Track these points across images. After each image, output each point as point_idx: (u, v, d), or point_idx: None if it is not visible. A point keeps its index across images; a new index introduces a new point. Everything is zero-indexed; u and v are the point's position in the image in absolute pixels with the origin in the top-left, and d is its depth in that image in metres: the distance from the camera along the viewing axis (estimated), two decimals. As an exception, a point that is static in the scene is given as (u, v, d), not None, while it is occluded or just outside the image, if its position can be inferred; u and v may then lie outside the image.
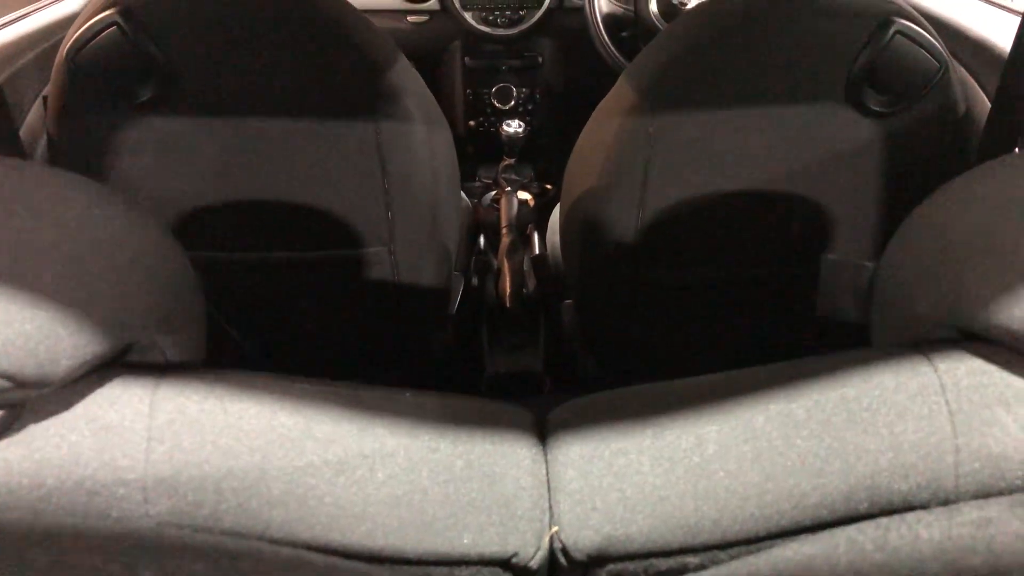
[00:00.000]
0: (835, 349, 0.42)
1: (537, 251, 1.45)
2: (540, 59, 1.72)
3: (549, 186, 1.76)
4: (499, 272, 1.35)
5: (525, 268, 1.39)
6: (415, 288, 1.05)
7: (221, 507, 0.37)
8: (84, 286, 0.36)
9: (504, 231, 1.43)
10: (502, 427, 0.42)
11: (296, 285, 1.06)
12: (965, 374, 0.39)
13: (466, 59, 1.72)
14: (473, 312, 1.36)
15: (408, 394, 0.43)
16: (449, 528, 0.38)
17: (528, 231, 1.52)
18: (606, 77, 1.48)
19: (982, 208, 0.42)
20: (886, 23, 0.86)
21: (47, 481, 0.36)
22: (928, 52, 0.87)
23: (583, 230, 1.01)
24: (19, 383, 0.34)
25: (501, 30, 1.65)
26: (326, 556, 0.36)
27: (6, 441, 0.36)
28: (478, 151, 1.82)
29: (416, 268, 1.04)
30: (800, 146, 0.93)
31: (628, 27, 1.50)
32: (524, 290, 1.36)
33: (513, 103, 1.74)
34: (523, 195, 1.61)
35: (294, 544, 0.37)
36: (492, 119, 1.75)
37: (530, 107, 1.76)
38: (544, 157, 1.83)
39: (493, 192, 1.67)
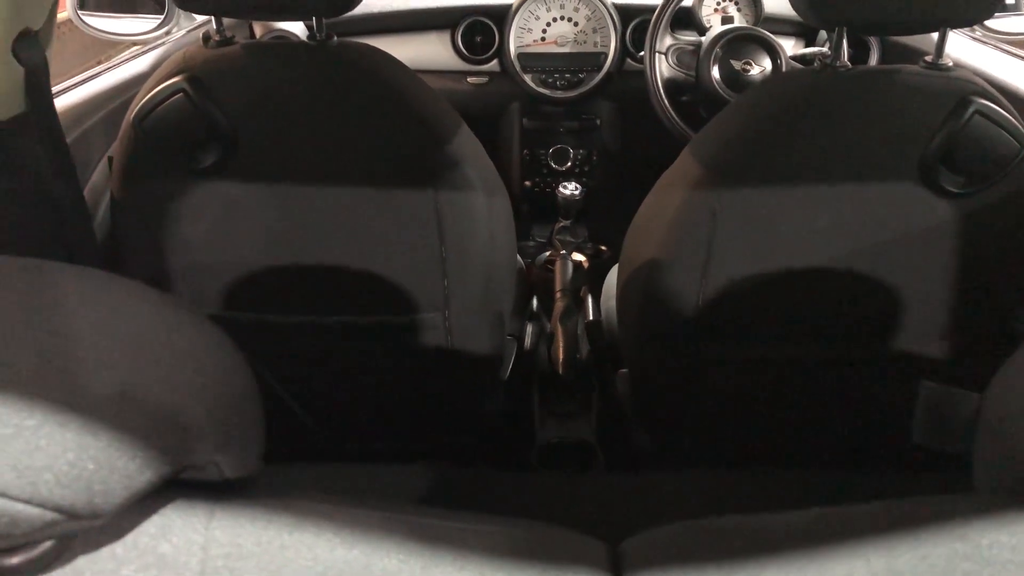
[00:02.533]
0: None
1: (591, 316, 1.43)
2: (598, 121, 1.72)
3: (604, 247, 1.73)
4: (552, 337, 1.33)
5: (579, 333, 1.36)
6: (468, 354, 1.04)
7: None
8: (145, 408, 0.34)
9: (558, 295, 1.41)
10: (575, 563, 0.39)
11: (349, 349, 1.05)
12: None
13: (524, 120, 1.72)
14: (525, 378, 1.33)
15: (474, 523, 0.40)
16: None
17: (582, 294, 1.49)
18: (664, 140, 1.46)
19: None
20: (965, 102, 0.83)
21: None
22: (1008, 133, 0.84)
23: (642, 302, 0.99)
24: (71, 516, 0.32)
25: (560, 92, 1.65)
26: None
27: (55, 574, 0.34)
28: (532, 210, 1.81)
29: (470, 334, 1.03)
30: (871, 225, 0.89)
31: (688, 92, 1.49)
32: (577, 356, 1.33)
33: (570, 164, 1.73)
34: (577, 256, 1.59)
35: None
36: (548, 180, 1.75)
37: (587, 168, 1.75)
38: (600, 218, 1.82)
39: (547, 252, 1.65)
